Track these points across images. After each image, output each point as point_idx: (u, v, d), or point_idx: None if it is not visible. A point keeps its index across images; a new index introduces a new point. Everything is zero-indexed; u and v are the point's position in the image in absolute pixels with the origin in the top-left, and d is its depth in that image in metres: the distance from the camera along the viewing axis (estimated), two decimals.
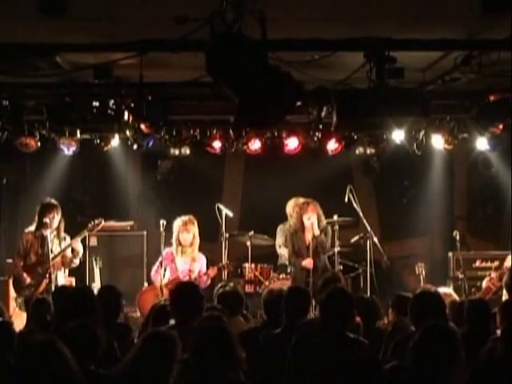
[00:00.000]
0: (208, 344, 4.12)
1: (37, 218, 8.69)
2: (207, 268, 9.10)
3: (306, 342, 4.87)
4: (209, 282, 8.95)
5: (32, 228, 8.75)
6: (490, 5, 5.34)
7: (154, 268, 9.10)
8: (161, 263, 8.99)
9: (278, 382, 4.99)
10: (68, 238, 8.80)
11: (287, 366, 4.81)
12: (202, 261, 9.14)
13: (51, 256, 8.46)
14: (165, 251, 9.07)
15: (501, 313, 5.67)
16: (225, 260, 9.22)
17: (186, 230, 9.01)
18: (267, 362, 5.34)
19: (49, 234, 8.47)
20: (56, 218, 8.67)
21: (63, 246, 8.70)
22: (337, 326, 4.88)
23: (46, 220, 8.55)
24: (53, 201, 8.81)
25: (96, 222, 8.91)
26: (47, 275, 8.47)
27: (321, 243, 9.44)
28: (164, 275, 8.98)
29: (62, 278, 8.75)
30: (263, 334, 5.51)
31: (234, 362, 4.15)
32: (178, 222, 9.06)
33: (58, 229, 8.72)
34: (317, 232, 9.38)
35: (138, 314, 8.93)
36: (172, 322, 5.52)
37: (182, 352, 4.18)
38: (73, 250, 8.77)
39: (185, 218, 9.07)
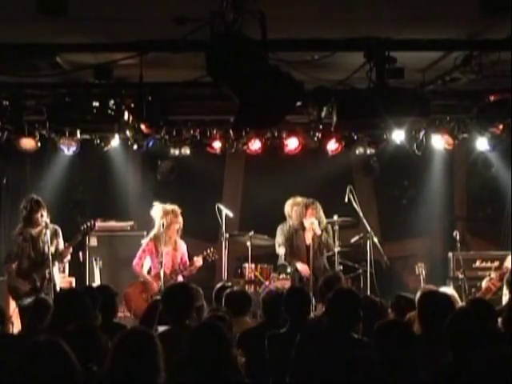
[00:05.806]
0: (200, 343, 4.09)
1: (24, 216, 8.51)
2: (189, 255, 9.03)
3: (310, 341, 4.87)
4: (194, 271, 8.92)
5: (19, 229, 8.55)
6: (489, 5, 5.33)
7: (136, 260, 9.06)
8: (142, 255, 9.03)
9: (281, 382, 4.99)
10: (59, 230, 8.56)
11: (291, 364, 4.81)
12: (183, 248, 9.10)
13: (49, 257, 8.26)
14: (145, 243, 9.10)
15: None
16: (210, 250, 8.96)
17: (177, 221, 8.97)
18: (272, 362, 5.35)
19: (41, 234, 8.33)
20: (44, 215, 8.44)
21: (54, 243, 8.44)
22: (343, 327, 4.88)
23: (37, 218, 8.40)
24: (37, 197, 8.60)
25: (89, 223, 8.64)
26: (45, 281, 8.30)
27: (325, 242, 9.47)
28: (143, 265, 9.03)
29: (57, 275, 8.56)
30: (268, 334, 5.50)
31: (228, 361, 4.13)
32: (165, 211, 8.96)
33: (45, 226, 8.42)
34: (318, 232, 9.39)
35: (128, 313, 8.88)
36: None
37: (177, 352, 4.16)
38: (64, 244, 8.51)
39: (173, 207, 9.00)
